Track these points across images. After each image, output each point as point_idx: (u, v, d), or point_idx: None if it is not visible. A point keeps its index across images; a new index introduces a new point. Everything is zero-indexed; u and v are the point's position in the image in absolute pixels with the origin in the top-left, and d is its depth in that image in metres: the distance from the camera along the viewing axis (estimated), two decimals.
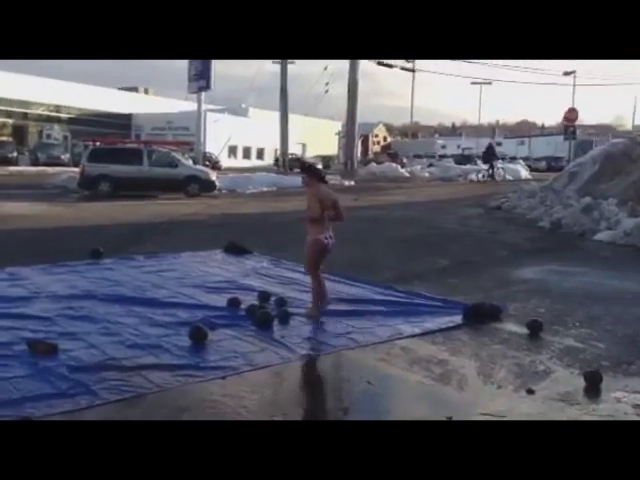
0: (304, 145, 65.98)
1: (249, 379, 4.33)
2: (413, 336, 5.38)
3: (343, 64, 29.56)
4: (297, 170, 28.57)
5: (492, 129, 48.52)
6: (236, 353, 4.81)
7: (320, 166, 42.95)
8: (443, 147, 78.91)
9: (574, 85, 52.26)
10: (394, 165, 30.95)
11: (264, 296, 6.51)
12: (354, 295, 6.93)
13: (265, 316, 5.61)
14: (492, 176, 27.34)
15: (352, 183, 24.57)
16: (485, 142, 72.94)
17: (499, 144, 79.98)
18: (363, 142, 64.13)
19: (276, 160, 35.63)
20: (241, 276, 7.80)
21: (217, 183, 19.75)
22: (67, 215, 13.90)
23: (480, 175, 28.21)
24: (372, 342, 5.17)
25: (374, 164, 31.91)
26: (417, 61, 40.01)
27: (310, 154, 58.98)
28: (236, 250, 9.49)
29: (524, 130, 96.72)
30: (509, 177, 28.01)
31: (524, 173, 30.65)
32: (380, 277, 7.89)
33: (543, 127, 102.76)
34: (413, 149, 62.96)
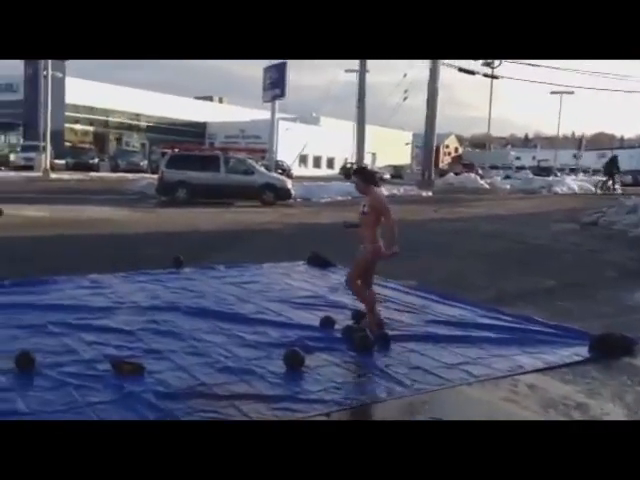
0: (374, 155, 65.34)
1: (356, 416, 3.76)
2: (537, 371, 4.67)
3: (418, 73, 28.95)
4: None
5: (579, 141, 46.02)
6: (337, 383, 4.25)
7: (387, 175, 42.19)
8: (517, 159, 76.29)
9: None
10: (473, 176, 29.84)
11: (359, 316, 5.94)
12: (455, 317, 6.26)
13: (365, 341, 5.03)
14: (609, 188, 26.21)
15: (430, 194, 23.73)
16: (565, 154, 70.31)
17: (579, 157, 76.77)
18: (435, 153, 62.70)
19: (342, 168, 34.73)
20: (329, 291, 7.27)
21: (292, 191, 19.42)
22: (147, 221, 13.84)
23: (598, 186, 27.02)
24: (491, 376, 4.49)
25: (452, 175, 30.90)
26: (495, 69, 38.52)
27: (380, 164, 58.33)
28: (320, 262, 8.98)
29: (602, 142, 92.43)
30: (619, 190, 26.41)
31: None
32: (475, 296, 7.18)
33: (622, 139, 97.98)
34: (485, 160, 61.13)
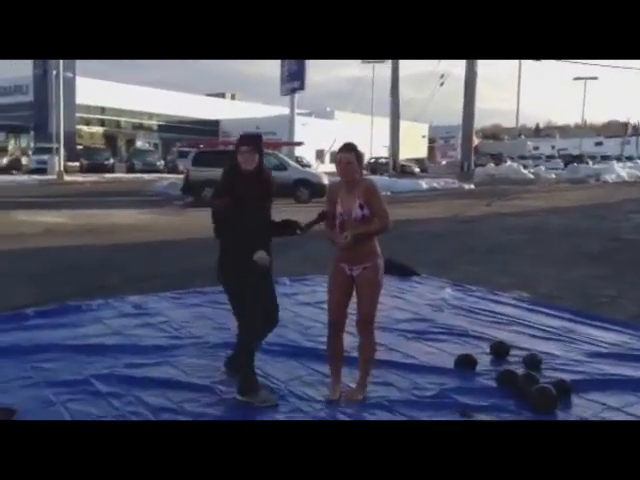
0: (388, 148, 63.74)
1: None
2: None
3: (429, 65, 27.23)
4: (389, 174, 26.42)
5: (625, 127, 43.87)
6: None
7: (417, 169, 40.40)
8: (536, 148, 74.29)
9: None
10: (515, 165, 28.19)
11: (501, 349, 4.44)
12: (621, 346, 4.74)
13: (548, 398, 3.50)
14: None
15: (472, 186, 22.16)
16: (586, 142, 68.09)
17: (600, 144, 74.56)
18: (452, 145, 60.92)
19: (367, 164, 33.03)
20: (432, 310, 5.76)
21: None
22: (178, 225, 12.42)
23: None
24: None
25: (492, 165, 29.22)
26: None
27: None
28: (398, 269, 7.44)
29: (613, 130, 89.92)
30: None
31: None
32: (614, 312, 5.68)
33: (637, 127, 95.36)
34: (502, 151, 59.03)
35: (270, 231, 3.66)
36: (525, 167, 28.33)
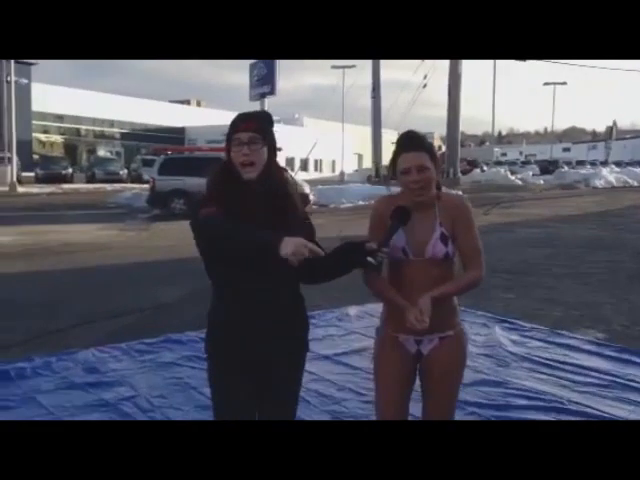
0: (360, 155, 62.85)
1: None
2: None
3: (397, 73, 26.01)
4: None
5: (609, 131, 43.61)
6: None
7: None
8: (503, 154, 74.23)
9: None
10: (503, 172, 27.11)
11: None
12: None
13: None
14: None
15: (459, 193, 20.92)
16: (556, 148, 68.27)
17: (568, 149, 74.88)
18: None
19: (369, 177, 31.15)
20: (495, 364, 4.27)
21: (311, 197, 16.37)
22: (143, 243, 10.72)
23: None
24: None
25: (478, 171, 28.15)
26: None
27: (368, 164, 55.75)
28: None
29: (575, 136, 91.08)
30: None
31: None
32: None
33: (594, 133, 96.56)
34: (469, 157, 58.31)
35: (302, 272, 2.10)
36: (512, 173, 27.32)
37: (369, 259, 1.99)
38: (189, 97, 67.83)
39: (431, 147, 2.13)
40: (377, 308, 5.84)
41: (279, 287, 1.98)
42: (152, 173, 16.09)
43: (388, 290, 2.14)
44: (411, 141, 2.11)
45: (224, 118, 59.86)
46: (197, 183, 15.08)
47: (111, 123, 51.61)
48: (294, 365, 2.11)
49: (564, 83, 56.20)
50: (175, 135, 55.00)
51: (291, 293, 2.05)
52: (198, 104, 66.50)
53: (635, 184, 23.78)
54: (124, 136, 52.36)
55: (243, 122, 1.96)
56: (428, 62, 24.40)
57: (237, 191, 1.94)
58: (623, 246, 9.79)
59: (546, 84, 56.28)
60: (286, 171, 2.07)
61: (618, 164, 34.97)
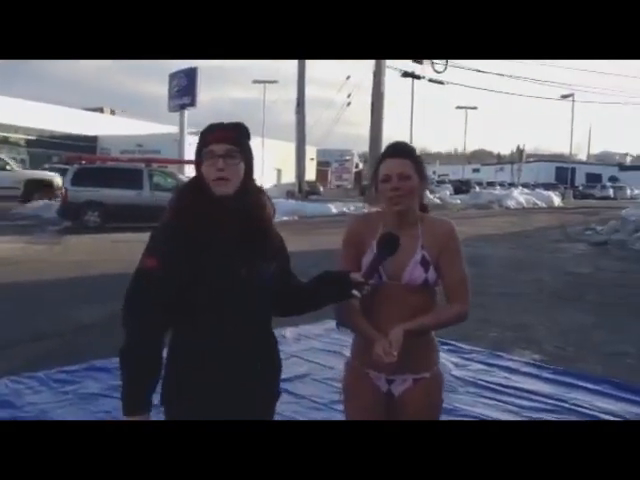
0: (279, 171, 62.90)
1: None
2: None
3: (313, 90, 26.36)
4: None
5: (519, 153, 45.84)
6: None
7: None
8: None
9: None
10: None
11: None
12: None
13: None
14: None
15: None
16: (467, 168, 71.27)
17: (477, 170, 78.28)
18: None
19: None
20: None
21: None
22: (56, 258, 9.99)
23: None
24: None
25: None
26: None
27: (287, 180, 55.82)
28: None
29: (481, 158, 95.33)
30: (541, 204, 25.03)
31: (557, 200, 27.86)
32: None
33: (499, 156, 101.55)
34: None
35: (282, 310, 1.90)
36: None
37: (354, 292, 1.81)
38: (102, 105, 65.34)
39: (418, 158, 1.98)
40: (312, 329, 5.66)
41: (251, 325, 1.75)
42: (64, 183, 15.20)
43: (357, 318, 1.94)
44: (395, 148, 1.96)
45: (139, 128, 58.35)
46: (114, 195, 14.43)
47: (16, 129, 48.74)
48: (266, 416, 1.86)
49: (475, 108, 59.18)
50: (87, 144, 52.59)
51: (265, 332, 1.83)
52: (112, 112, 64.23)
53: (543, 205, 25.06)
54: (30, 143, 49.56)
55: (218, 132, 1.72)
56: (353, 80, 24.77)
57: (208, 209, 1.69)
58: (543, 265, 10.15)
59: (458, 108, 58.97)
60: (264, 192, 1.85)
61: (525, 186, 36.92)
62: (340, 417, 3.70)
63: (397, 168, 1.90)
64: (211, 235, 1.67)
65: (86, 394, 3.90)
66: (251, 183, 1.77)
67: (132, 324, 1.66)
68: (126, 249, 11.28)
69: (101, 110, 62.41)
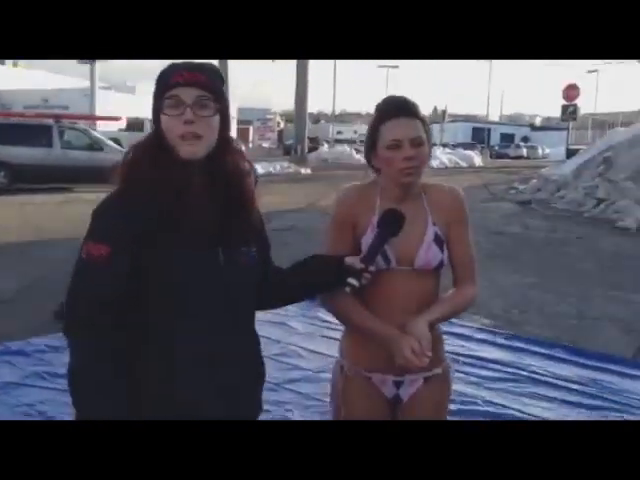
0: None
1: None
2: None
3: None
4: None
5: (442, 114, 46.41)
6: None
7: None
8: (339, 133, 76.53)
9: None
10: (348, 150, 27.42)
11: None
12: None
13: None
14: None
15: (309, 171, 20.86)
16: None
17: (443, 130, 79.10)
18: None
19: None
20: None
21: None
22: None
23: None
24: None
25: (325, 149, 28.21)
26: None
27: None
28: None
29: None
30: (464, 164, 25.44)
31: (477, 160, 28.44)
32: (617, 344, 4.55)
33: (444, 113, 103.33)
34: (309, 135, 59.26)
35: (267, 300, 1.54)
36: (358, 152, 27.91)
37: (351, 281, 1.47)
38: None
39: (425, 118, 1.64)
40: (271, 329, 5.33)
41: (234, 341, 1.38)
42: None
43: (359, 313, 1.60)
44: (402, 106, 1.59)
45: (45, 81, 54.69)
46: (20, 153, 13.28)
47: None
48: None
49: (396, 67, 59.21)
50: None
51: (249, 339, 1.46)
52: (14, 65, 59.65)
53: (465, 165, 25.51)
54: None
55: (185, 72, 1.29)
56: None
57: (171, 176, 1.28)
58: (476, 226, 10.17)
59: (380, 67, 58.85)
60: (244, 154, 1.44)
61: (445, 145, 37.55)
62: (294, 398, 3.41)
63: (410, 132, 1.55)
64: (177, 211, 1.26)
65: (1, 384, 3.39)
66: (228, 142, 1.37)
67: (82, 335, 1.24)
68: (36, 213, 10.38)
69: (2, 62, 57.88)
